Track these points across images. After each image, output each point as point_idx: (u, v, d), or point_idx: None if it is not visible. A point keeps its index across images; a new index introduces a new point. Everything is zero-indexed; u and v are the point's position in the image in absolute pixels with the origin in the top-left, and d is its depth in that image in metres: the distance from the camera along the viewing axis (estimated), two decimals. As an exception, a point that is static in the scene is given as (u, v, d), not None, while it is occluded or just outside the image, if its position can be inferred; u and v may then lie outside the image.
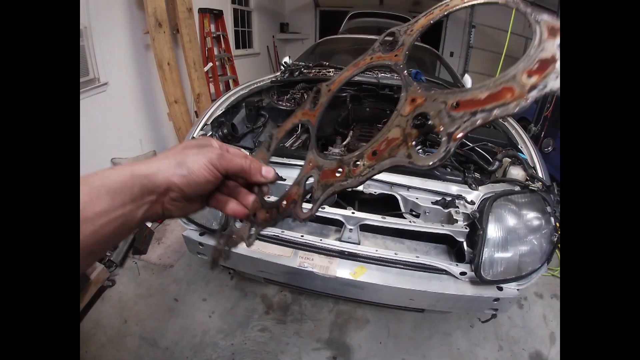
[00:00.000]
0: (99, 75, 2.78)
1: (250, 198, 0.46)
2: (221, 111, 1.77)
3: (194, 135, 1.53)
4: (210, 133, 1.57)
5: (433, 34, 6.51)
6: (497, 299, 1.27)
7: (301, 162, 1.35)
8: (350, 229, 1.33)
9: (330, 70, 2.31)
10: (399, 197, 1.36)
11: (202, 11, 3.98)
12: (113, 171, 0.36)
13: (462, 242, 1.32)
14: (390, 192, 1.37)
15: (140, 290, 2.23)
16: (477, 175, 1.49)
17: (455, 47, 6.89)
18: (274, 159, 1.41)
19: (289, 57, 2.88)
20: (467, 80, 3.07)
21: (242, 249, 1.37)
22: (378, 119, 2.03)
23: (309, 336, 1.90)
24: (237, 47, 5.50)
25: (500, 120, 2.12)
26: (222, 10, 4.58)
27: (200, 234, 1.41)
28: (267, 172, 0.46)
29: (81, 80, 2.60)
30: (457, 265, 1.30)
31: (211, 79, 4.15)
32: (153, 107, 3.39)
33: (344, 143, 1.74)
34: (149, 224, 2.75)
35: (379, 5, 5.18)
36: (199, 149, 0.40)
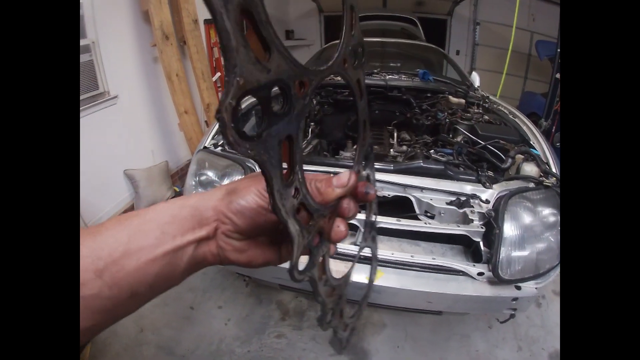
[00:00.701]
0: (109, 88, 2.83)
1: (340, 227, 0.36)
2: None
3: (206, 145, 1.54)
4: (222, 142, 1.59)
5: (438, 32, 6.48)
6: (515, 299, 1.25)
7: (313, 168, 1.37)
8: None
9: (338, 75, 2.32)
10: (413, 199, 1.35)
11: (208, 22, 4.02)
12: (166, 204, 0.34)
13: (479, 242, 1.31)
14: (404, 194, 1.36)
15: (156, 299, 2.20)
16: (490, 173, 1.48)
17: (460, 45, 6.83)
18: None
19: (296, 63, 2.89)
20: (475, 78, 3.04)
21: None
22: (387, 120, 2.03)
23: (325, 342, 1.89)
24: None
25: (511, 116, 2.10)
26: (227, 21, 4.60)
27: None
28: (340, 180, 0.35)
29: (91, 94, 2.64)
30: (474, 265, 1.28)
31: (220, 89, 4.19)
32: (163, 118, 3.44)
33: (355, 147, 1.74)
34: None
35: (382, 7, 5.18)
36: (251, 178, 0.36)
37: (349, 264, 0.46)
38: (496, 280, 1.23)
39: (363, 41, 0.37)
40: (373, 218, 0.50)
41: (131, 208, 3.01)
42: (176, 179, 3.56)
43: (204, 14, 3.68)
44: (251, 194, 0.33)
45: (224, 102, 0.20)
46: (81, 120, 2.55)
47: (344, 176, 0.34)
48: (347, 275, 0.44)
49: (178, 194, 3.23)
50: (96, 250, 0.30)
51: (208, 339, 1.93)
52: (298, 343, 1.88)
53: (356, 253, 0.51)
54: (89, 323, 0.30)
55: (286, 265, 0.29)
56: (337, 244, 0.37)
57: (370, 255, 0.54)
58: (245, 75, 0.21)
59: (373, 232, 0.51)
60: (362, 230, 0.47)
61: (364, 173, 0.45)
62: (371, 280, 0.55)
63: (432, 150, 1.62)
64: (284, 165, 0.27)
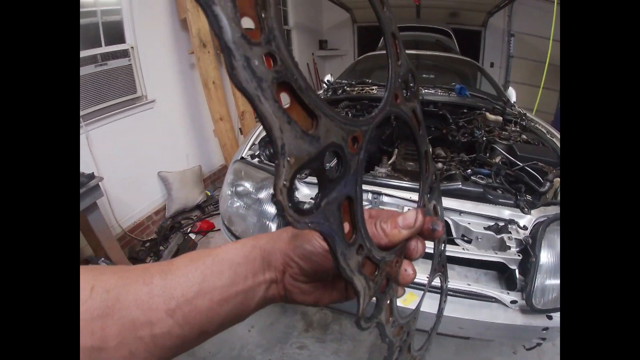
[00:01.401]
0: (147, 93, 2.94)
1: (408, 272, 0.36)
2: (250, 146, 1.81)
3: (243, 155, 1.57)
4: (258, 152, 1.61)
5: (472, 44, 6.37)
6: (546, 328, 1.22)
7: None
8: None
9: (374, 87, 2.32)
10: (450, 222, 1.33)
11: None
12: (237, 244, 0.35)
13: (515, 269, 1.28)
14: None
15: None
16: (528, 197, 1.44)
17: (495, 57, 6.68)
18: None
19: (331, 75, 2.92)
20: (512, 94, 2.96)
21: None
22: (422, 136, 1.99)
23: (348, 356, 1.87)
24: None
25: (548, 135, 2.03)
26: (263, 30, 4.69)
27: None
28: (407, 221, 0.33)
29: (129, 97, 2.76)
30: (508, 293, 1.25)
31: None
32: (199, 123, 3.53)
33: (390, 162, 1.73)
34: (192, 236, 2.85)
35: (416, 18, 5.15)
36: None
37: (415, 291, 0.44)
38: (528, 309, 1.20)
39: (413, 68, 0.36)
40: (442, 247, 0.48)
41: (163, 209, 3.10)
42: (208, 184, 3.64)
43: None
44: (316, 238, 0.33)
45: (278, 186, 0.20)
46: (118, 121, 2.67)
47: (411, 216, 0.33)
48: (416, 311, 0.43)
49: (209, 198, 3.30)
50: (168, 290, 0.31)
51: (230, 343, 1.95)
52: (320, 356, 1.87)
53: (424, 283, 0.50)
54: (155, 359, 0.31)
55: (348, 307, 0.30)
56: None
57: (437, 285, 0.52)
58: (295, 153, 0.20)
59: (442, 261, 0.49)
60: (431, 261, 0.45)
61: (430, 205, 0.43)
62: (441, 310, 0.53)
63: (469, 170, 1.58)
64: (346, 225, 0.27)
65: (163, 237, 2.81)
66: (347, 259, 0.26)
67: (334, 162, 0.26)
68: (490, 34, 6.58)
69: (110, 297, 0.29)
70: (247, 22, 0.18)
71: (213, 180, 3.79)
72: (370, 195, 1.36)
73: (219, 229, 2.96)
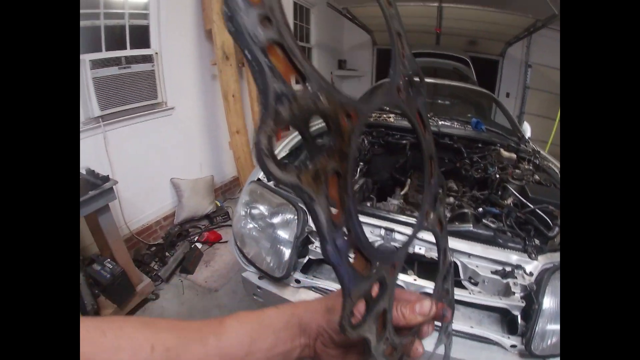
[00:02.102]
0: (167, 99, 3.00)
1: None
2: (285, 153, 1.85)
3: (260, 177, 1.59)
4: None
5: (489, 73, 6.40)
6: None
7: (364, 219, 1.38)
8: None
9: (391, 115, 2.35)
10: (459, 264, 1.34)
11: None
12: (279, 311, 0.40)
13: (517, 315, 1.30)
14: (451, 258, 1.35)
15: (182, 309, 2.31)
16: (537, 242, 1.44)
17: (511, 87, 6.68)
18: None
19: (349, 97, 2.94)
20: (527, 129, 2.96)
21: (288, 294, 1.39)
22: (436, 167, 2.01)
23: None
24: (297, 82, 5.69)
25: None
26: (285, 47, 4.76)
27: (259, 278, 1.45)
28: (423, 309, 0.38)
29: (149, 102, 2.81)
30: (508, 337, 1.27)
31: None
32: (215, 134, 3.59)
33: (402, 193, 1.74)
34: (199, 245, 2.88)
35: (435, 45, 5.20)
36: None
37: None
38: (527, 353, 1.22)
39: (418, 69, 0.38)
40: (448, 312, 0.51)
41: (172, 215, 3.13)
42: (219, 194, 3.68)
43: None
44: None
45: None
46: (137, 125, 2.72)
47: (427, 306, 0.38)
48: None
49: (219, 209, 3.33)
50: (222, 349, 0.36)
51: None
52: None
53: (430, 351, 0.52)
54: None
55: None
56: None
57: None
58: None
59: (449, 331, 0.53)
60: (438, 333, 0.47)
61: (445, 287, 0.47)
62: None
63: (480, 209, 1.59)
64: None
65: (170, 243, 2.84)
66: (335, 240, 0.26)
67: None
68: (508, 64, 6.60)
69: (171, 356, 0.33)
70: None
71: (224, 191, 3.83)
72: (382, 232, 1.38)
73: (226, 241, 2.99)
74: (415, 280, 1.31)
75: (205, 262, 2.74)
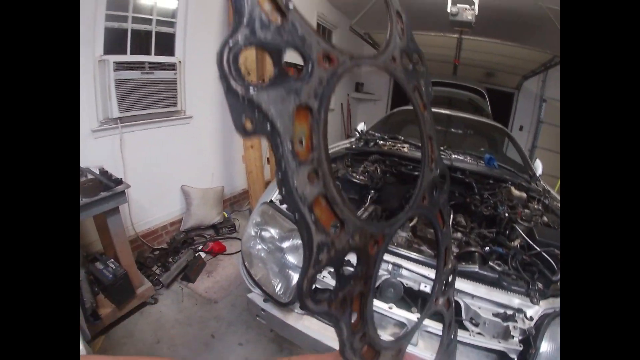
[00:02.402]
0: (185, 108, 3.06)
1: None
2: None
3: (273, 198, 1.61)
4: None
5: (504, 105, 6.43)
6: None
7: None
8: None
9: (405, 145, 2.37)
10: (462, 304, 1.34)
11: (288, 65, 4.23)
12: None
13: (514, 358, 1.30)
14: (455, 298, 1.35)
15: (180, 317, 2.31)
16: (540, 285, 1.44)
17: (525, 120, 6.70)
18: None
19: (364, 123, 2.99)
20: (538, 166, 2.97)
21: (292, 319, 1.40)
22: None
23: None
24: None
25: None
26: (305, 66, 4.85)
27: (264, 300, 1.46)
28: None
29: (168, 109, 2.86)
30: None
31: None
32: (229, 147, 3.65)
33: (411, 225, 1.75)
34: (202, 255, 2.89)
35: (452, 75, 5.27)
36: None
37: None
38: None
39: (444, 170, 0.40)
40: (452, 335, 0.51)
41: (179, 222, 3.16)
42: (227, 205, 3.71)
43: (285, 56, 3.93)
44: None
45: (303, 285, 0.24)
46: (153, 130, 2.78)
47: None
48: None
49: (226, 220, 3.36)
50: None
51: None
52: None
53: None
54: None
55: (333, 344, 0.34)
56: None
57: None
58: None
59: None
60: None
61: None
62: None
63: (487, 248, 1.59)
64: None
65: (174, 249, 2.85)
66: (353, 344, 0.30)
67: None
68: (523, 97, 6.63)
69: None
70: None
71: (232, 202, 3.86)
72: (390, 267, 1.39)
73: (230, 253, 3.00)
74: (390, 308, 1.33)
75: (207, 272, 2.75)
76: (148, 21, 2.70)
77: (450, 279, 0.47)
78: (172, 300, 2.44)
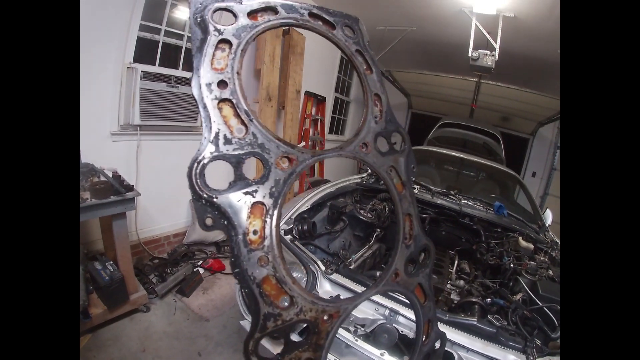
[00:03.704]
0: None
1: None
2: (306, 207, 1.88)
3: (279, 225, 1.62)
4: (291, 226, 1.67)
5: (519, 150, 6.42)
6: None
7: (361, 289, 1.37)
8: None
9: (416, 186, 2.37)
10: (456, 356, 1.30)
11: (308, 94, 4.35)
12: None
13: None
14: (450, 350, 1.31)
15: (170, 329, 2.28)
16: (538, 342, 1.39)
17: (538, 166, 6.67)
18: (337, 278, 1.45)
19: (377, 160, 3.00)
20: (548, 216, 2.91)
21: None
22: (452, 245, 1.99)
23: None
24: (330, 132, 5.90)
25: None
26: (325, 97, 5.00)
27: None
28: None
29: (188, 124, 2.91)
30: None
31: None
32: (244, 167, 3.68)
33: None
34: (201, 270, 2.88)
35: (469, 117, 5.32)
36: None
37: None
38: None
39: (425, 244, 0.39)
40: None
41: (182, 234, 3.18)
42: (232, 224, 3.71)
43: (307, 85, 4.01)
44: None
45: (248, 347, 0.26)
46: (171, 142, 2.84)
47: None
48: None
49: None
50: None
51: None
52: None
53: None
54: None
55: None
56: None
57: None
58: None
59: None
60: None
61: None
62: None
63: (488, 300, 1.56)
64: None
65: (173, 260, 2.85)
66: None
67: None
68: (538, 143, 6.62)
69: None
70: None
71: (238, 220, 3.85)
72: (387, 312, 1.36)
73: (229, 273, 2.97)
74: (382, 355, 1.28)
75: (203, 289, 2.72)
76: (180, 36, 2.81)
77: (426, 261, 0.45)
78: (163, 312, 2.42)
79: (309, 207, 1.91)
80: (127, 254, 2.25)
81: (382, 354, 1.28)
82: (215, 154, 0.25)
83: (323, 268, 1.48)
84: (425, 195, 2.31)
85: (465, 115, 5.32)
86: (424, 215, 2.03)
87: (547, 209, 3.08)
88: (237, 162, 0.28)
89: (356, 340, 1.31)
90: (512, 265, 1.84)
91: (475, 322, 1.34)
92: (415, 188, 2.34)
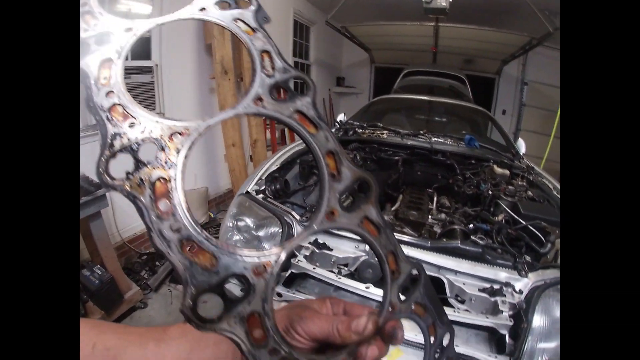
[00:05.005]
0: (165, 110, 3.03)
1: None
2: (276, 167, 1.85)
3: (249, 189, 1.60)
4: (264, 187, 1.64)
5: (485, 91, 6.47)
6: None
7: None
8: None
9: (384, 132, 2.36)
10: (445, 281, 1.33)
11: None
12: None
13: (505, 334, 1.26)
14: (437, 275, 1.34)
15: (170, 319, 2.28)
16: (528, 258, 1.42)
17: (507, 105, 6.77)
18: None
19: (344, 114, 2.98)
20: (521, 145, 2.97)
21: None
22: (429, 183, 2.02)
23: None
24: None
25: (555, 192, 2.02)
26: (282, 62, 4.83)
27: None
28: (357, 327, 0.33)
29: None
30: (495, 357, 1.22)
31: (268, 126, 4.35)
32: (211, 146, 3.61)
33: (393, 208, 1.75)
34: (190, 256, 2.85)
35: (432, 63, 5.28)
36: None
37: None
38: None
39: (364, 176, 0.36)
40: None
41: (165, 225, 3.11)
42: (213, 206, 3.67)
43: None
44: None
45: (185, 304, 0.26)
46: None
47: (361, 323, 0.32)
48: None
49: (212, 220, 3.33)
50: (159, 355, 0.36)
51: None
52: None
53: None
54: None
55: None
56: None
57: None
58: (196, 284, 0.27)
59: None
60: None
61: (411, 304, 0.38)
62: None
63: (471, 225, 1.59)
64: None
65: (160, 252, 2.80)
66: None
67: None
68: (504, 82, 6.69)
69: (110, 355, 0.35)
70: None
71: (218, 202, 3.82)
72: (367, 247, 1.36)
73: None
74: (367, 288, 1.27)
75: (195, 274, 2.70)
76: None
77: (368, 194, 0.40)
78: (161, 304, 2.41)
79: (279, 166, 1.88)
80: (112, 254, 2.21)
81: (367, 287, 1.28)
82: (195, 294, 0.24)
83: (297, 217, 1.46)
84: (395, 138, 2.30)
85: (428, 62, 5.28)
86: (396, 158, 2.04)
87: (520, 139, 3.14)
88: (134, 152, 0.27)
89: (339, 279, 1.30)
90: (490, 192, 1.87)
91: (459, 244, 1.36)
92: (383, 133, 2.33)
